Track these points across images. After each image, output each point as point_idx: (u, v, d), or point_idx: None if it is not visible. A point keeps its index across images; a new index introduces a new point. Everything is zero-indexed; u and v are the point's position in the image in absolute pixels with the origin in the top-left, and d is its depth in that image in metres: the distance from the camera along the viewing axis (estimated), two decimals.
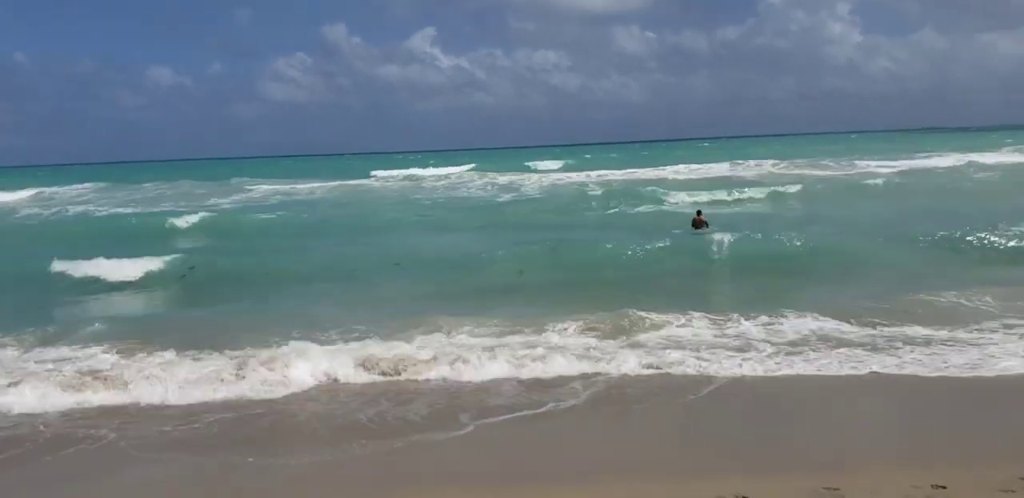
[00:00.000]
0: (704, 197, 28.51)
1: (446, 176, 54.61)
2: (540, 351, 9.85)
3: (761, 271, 14.92)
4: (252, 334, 10.92)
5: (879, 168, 42.92)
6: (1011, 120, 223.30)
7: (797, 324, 10.84)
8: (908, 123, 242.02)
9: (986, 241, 15.65)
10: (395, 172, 59.06)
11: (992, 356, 9.34)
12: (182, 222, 26.46)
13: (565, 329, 10.81)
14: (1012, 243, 15.39)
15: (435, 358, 9.67)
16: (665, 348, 9.95)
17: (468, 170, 60.62)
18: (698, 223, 20.41)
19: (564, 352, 9.78)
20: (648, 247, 16.14)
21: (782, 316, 11.17)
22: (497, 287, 14.38)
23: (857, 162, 48.28)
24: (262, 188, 46.14)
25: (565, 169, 60.27)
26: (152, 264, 16.51)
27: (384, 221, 26.61)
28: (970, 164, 42.37)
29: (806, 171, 42.84)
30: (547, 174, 51.93)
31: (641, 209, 27.79)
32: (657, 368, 9.32)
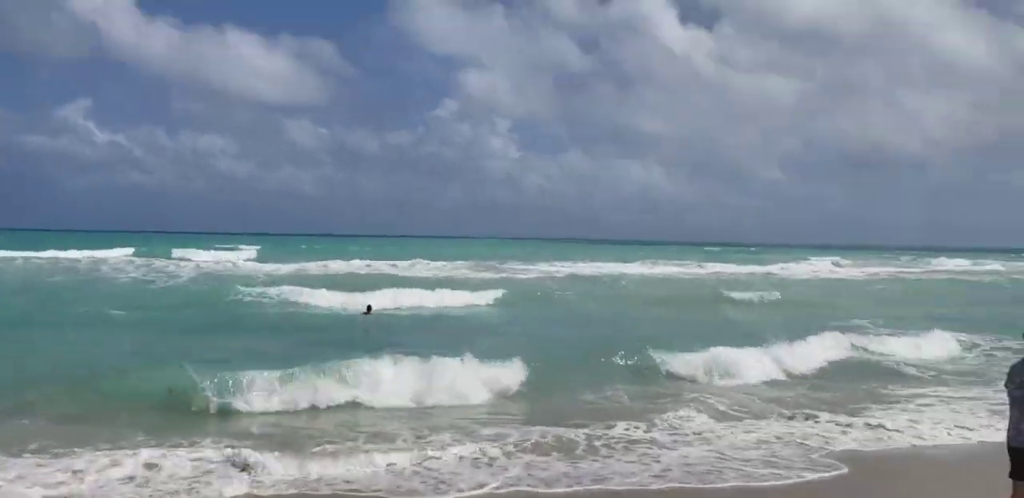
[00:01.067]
0: (376, 296, 26.87)
1: (88, 259, 49.45)
2: None
3: None
4: None
5: (526, 271, 46.17)
6: (639, 235, 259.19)
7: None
8: (559, 233, 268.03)
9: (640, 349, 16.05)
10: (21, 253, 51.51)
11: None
12: None
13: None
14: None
15: None
16: None
17: (129, 255, 55.69)
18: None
19: None
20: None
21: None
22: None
23: (523, 266, 51.53)
24: None
25: (231, 258, 57.31)
26: None
27: None
28: (610, 271, 48.11)
29: (478, 274, 44.59)
30: (208, 263, 49.15)
31: (300, 309, 25.78)
32: None
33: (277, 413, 11.57)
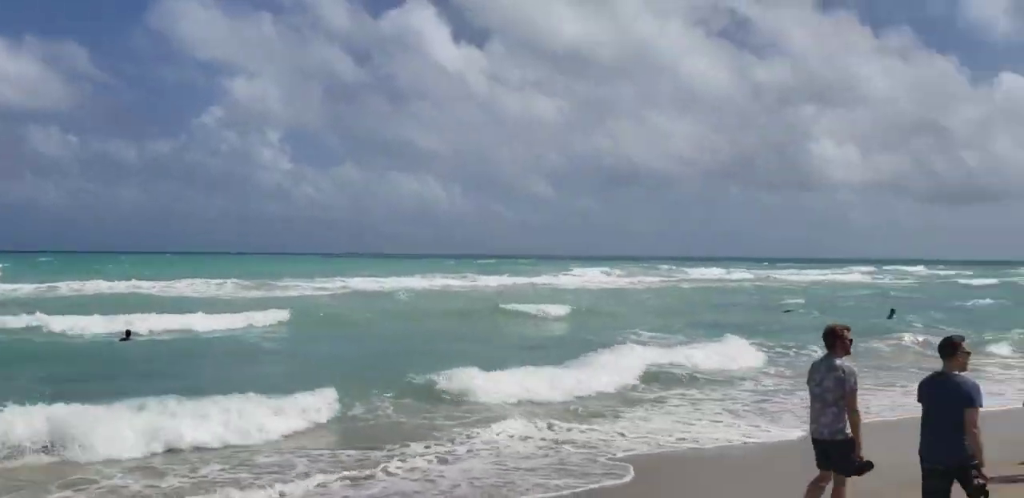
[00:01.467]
0: (135, 319, 24.38)
1: None
2: None
3: None
4: None
5: (302, 288, 44.99)
6: (414, 249, 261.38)
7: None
8: (333, 248, 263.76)
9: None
10: None
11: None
12: None
13: None
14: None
15: None
16: None
17: None
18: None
19: None
20: None
21: None
22: None
23: (298, 282, 49.75)
24: None
25: None
26: None
27: None
28: (389, 286, 47.60)
29: (250, 292, 42.64)
30: None
31: (44, 336, 22.84)
32: None
33: None
